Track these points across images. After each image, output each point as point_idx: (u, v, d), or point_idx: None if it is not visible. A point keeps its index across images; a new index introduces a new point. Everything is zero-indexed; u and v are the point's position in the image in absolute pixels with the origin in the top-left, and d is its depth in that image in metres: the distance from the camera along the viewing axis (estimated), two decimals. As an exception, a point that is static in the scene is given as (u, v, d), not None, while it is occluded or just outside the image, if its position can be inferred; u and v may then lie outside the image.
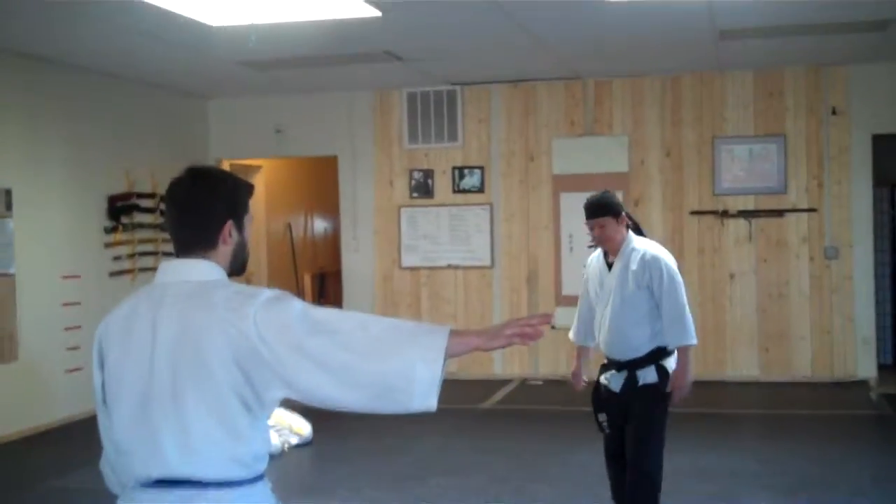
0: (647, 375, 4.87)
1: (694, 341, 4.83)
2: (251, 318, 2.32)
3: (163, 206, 9.86)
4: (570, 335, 5.37)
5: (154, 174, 9.92)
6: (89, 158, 9.29)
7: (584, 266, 5.24)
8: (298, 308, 2.36)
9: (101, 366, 2.51)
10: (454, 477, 6.75)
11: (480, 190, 10.70)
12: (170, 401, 2.36)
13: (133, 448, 2.41)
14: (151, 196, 10.00)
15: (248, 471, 2.41)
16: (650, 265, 4.81)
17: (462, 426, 8.34)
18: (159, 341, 2.38)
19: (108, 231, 9.53)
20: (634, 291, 4.83)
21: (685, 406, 8.95)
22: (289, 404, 7.52)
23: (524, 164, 10.62)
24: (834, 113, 9.84)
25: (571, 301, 9.93)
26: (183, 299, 2.40)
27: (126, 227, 9.70)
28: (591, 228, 4.90)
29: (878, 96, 9.80)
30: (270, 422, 7.94)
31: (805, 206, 9.98)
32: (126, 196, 9.70)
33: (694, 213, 10.21)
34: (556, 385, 9.88)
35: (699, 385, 9.71)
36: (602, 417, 5.02)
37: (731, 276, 10.15)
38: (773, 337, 10.05)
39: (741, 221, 10.10)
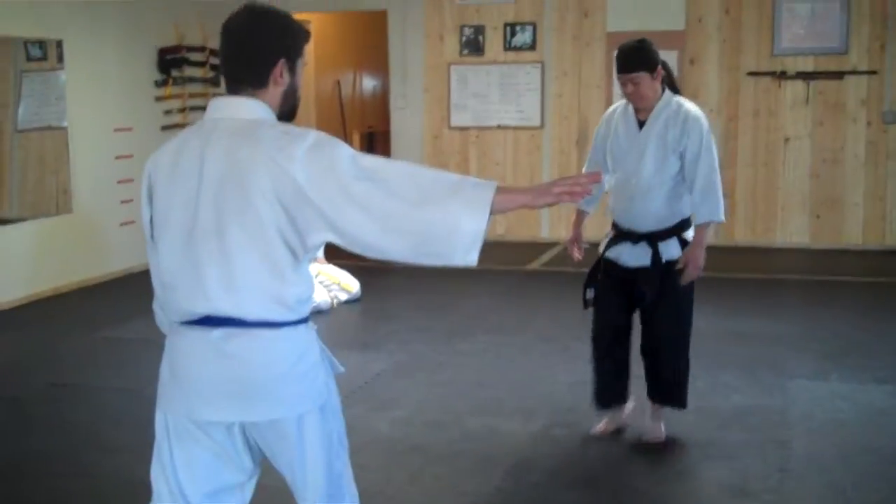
0: (671, 249, 4.44)
1: (723, 218, 4.38)
2: (298, 158, 2.32)
3: (213, 60, 9.86)
4: None
5: (203, 27, 9.83)
6: (139, 11, 9.21)
7: (603, 119, 4.66)
8: (347, 153, 2.35)
9: (150, 200, 2.52)
10: (501, 334, 6.84)
11: (532, 47, 10.49)
12: (214, 235, 2.37)
13: (178, 282, 2.44)
14: (201, 49, 9.94)
15: (291, 313, 2.44)
16: (690, 128, 4.31)
17: (509, 287, 8.41)
18: (206, 176, 2.38)
19: (159, 84, 9.53)
20: (668, 156, 4.35)
21: (733, 271, 8.96)
22: (338, 261, 7.65)
23: (578, 20, 10.37)
24: (902, -29, 9.46)
25: (621, 163, 9.90)
26: (230, 135, 2.40)
27: (177, 81, 9.68)
28: (624, 84, 4.33)
29: (951, -46, 9.38)
30: (320, 278, 8.05)
31: (866, 68, 9.69)
32: (176, 49, 9.66)
33: (751, 73, 9.96)
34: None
35: (747, 251, 9.79)
36: (590, 293, 4.60)
37: (786, 140, 9.96)
38: (825, 203, 9.91)
39: (799, 83, 9.84)
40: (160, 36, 9.53)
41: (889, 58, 9.62)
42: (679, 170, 4.36)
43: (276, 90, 2.48)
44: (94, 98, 8.76)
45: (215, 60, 10.08)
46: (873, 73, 9.65)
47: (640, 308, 4.58)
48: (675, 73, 9.88)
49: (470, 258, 2.34)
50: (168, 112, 9.61)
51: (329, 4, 11.11)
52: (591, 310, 4.69)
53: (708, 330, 6.85)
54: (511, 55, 10.58)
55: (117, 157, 8.95)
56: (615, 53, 4.42)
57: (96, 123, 8.78)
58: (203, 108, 9.70)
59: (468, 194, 2.32)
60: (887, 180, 9.76)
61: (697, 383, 5.64)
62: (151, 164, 2.53)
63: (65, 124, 8.46)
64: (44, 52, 8.45)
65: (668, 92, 4.42)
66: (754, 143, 10.02)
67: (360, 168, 2.33)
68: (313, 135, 2.38)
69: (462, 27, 10.67)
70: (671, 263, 4.41)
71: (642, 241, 4.45)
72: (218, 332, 2.41)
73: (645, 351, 4.67)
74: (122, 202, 8.88)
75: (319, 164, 2.32)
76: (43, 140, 8.53)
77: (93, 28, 8.71)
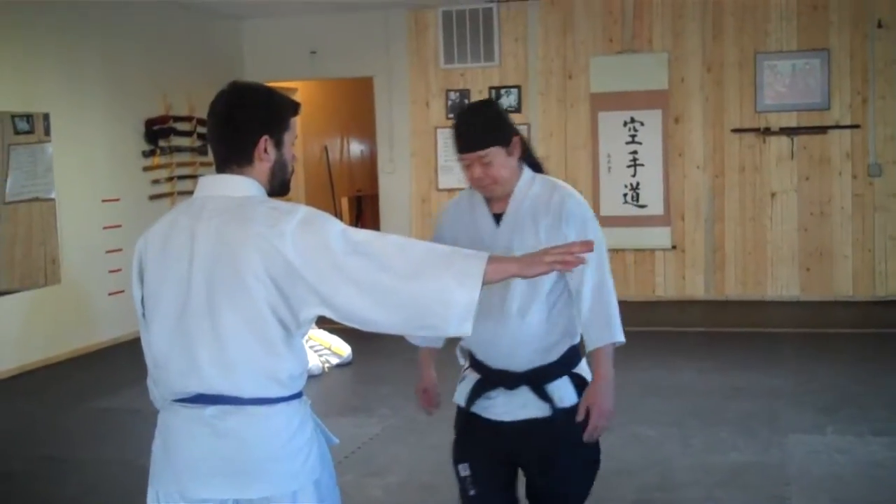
0: (564, 393, 3.10)
1: (622, 338, 3.06)
2: (288, 235, 2.30)
3: (200, 130, 9.93)
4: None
5: (190, 97, 9.91)
6: (126, 82, 9.29)
7: (446, 213, 3.31)
8: (337, 228, 2.34)
9: (141, 280, 2.51)
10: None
11: (518, 110, 10.57)
12: (206, 315, 2.36)
13: (170, 362, 2.42)
14: (188, 119, 10.00)
15: (284, 389, 2.41)
16: (569, 215, 3.09)
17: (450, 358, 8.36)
18: (196, 255, 2.38)
19: (147, 154, 9.56)
20: None
21: (725, 326, 8.97)
22: (329, 326, 7.61)
23: (562, 82, 10.48)
24: (880, 26, 9.59)
25: (609, 221, 9.92)
26: (220, 214, 2.39)
27: (164, 151, 9.72)
28: (468, 167, 3.05)
29: (927, 8, 9.53)
30: (311, 343, 8.00)
31: (849, 122, 9.78)
32: (163, 119, 9.71)
33: (735, 130, 10.05)
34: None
35: (739, 305, 9.79)
36: (464, 470, 3.18)
37: (773, 195, 10.02)
38: (814, 256, 9.95)
39: (783, 139, 9.94)
40: (147, 107, 9.59)
41: (871, 112, 9.73)
42: (559, 278, 3.06)
43: (262, 166, 2.47)
44: (82, 169, 8.78)
45: (202, 129, 10.15)
46: (856, 126, 9.75)
47: (526, 475, 3.24)
48: (660, 131, 10.13)
49: (464, 328, 2.32)
50: (156, 182, 9.64)
51: (317, 72, 11.21)
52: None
53: (703, 385, 6.86)
54: (497, 117, 10.63)
55: (105, 227, 8.95)
56: (453, 125, 3.15)
57: (84, 194, 8.79)
58: (191, 177, 9.85)
59: (460, 266, 2.31)
60: (875, 232, 9.81)
61: (694, 440, 5.62)
62: (142, 242, 2.52)
63: (52, 196, 8.47)
64: (31, 126, 8.49)
65: (527, 170, 3.19)
66: (741, 199, 10.08)
67: (351, 243, 2.32)
68: (302, 210, 2.37)
69: (447, 91, 10.76)
70: (568, 414, 3.07)
71: (521, 385, 3.12)
72: (211, 410, 2.39)
73: None
74: (111, 271, 8.86)
75: (310, 240, 2.31)
76: (31, 212, 8.52)
77: (79, 100, 8.77)
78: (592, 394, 3.01)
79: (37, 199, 8.52)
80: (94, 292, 8.83)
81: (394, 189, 11.05)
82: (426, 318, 2.32)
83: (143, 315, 2.52)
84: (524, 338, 3.07)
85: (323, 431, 2.57)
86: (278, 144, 2.49)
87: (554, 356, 3.09)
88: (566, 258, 2.37)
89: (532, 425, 3.09)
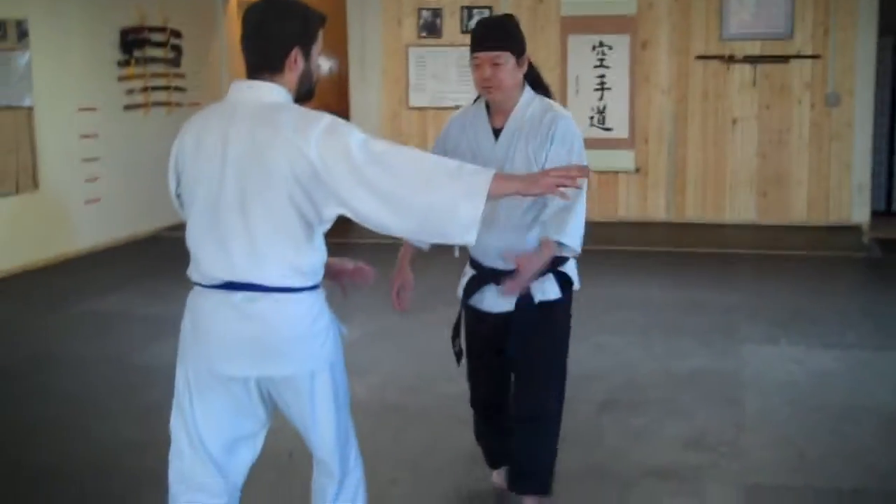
0: (547, 289, 3.44)
1: (575, 245, 3.29)
2: (313, 140, 2.53)
3: (174, 41, 10.00)
4: None
5: (164, 8, 9.96)
6: (101, -9, 9.30)
7: (452, 122, 3.61)
8: (359, 137, 2.57)
9: (178, 180, 2.75)
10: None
11: (489, 31, 10.70)
12: (237, 210, 2.60)
13: (204, 252, 2.67)
14: (162, 30, 10.05)
15: (306, 279, 2.67)
16: (557, 132, 3.31)
17: (463, 262, 8.64)
18: (229, 155, 2.61)
19: (122, 65, 9.62)
20: (534, 170, 3.26)
21: (685, 246, 9.33)
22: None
23: (533, 4, 10.63)
24: (844, -42, 9.85)
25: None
26: (251, 118, 2.61)
27: (138, 61, 9.78)
28: (479, 66, 3.33)
29: (890, -58, 9.79)
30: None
31: (810, 52, 10.08)
32: (138, 30, 9.75)
33: (700, 57, 10.31)
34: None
35: (699, 227, 10.13)
36: (457, 346, 3.67)
37: (734, 122, 10.33)
38: (771, 182, 10.30)
39: (746, 67, 10.21)
40: (122, 16, 9.61)
41: (832, 43, 10.02)
42: None
43: (291, 75, 2.69)
44: (59, 78, 8.83)
45: (176, 41, 10.21)
46: (817, 57, 10.05)
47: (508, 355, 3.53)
48: (628, 56, 10.35)
49: (468, 237, 2.59)
50: (130, 91, 9.71)
51: (288, -14, 11.22)
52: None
53: (664, 300, 7.23)
54: (468, 38, 10.76)
55: (82, 136, 9.05)
56: (472, 28, 3.46)
57: (61, 103, 8.86)
58: (164, 88, 9.91)
59: (468, 180, 2.57)
60: (830, 160, 10.17)
61: (655, 349, 5.98)
62: (177, 145, 2.73)
63: (25, 103, 8.51)
64: (3, 32, 8.49)
65: (529, 90, 3.44)
66: (703, 125, 10.38)
67: (371, 153, 2.55)
68: (328, 119, 2.60)
69: (420, 10, 10.88)
70: (549, 307, 3.44)
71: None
72: (240, 296, 2.64)
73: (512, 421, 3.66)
74: (87, 181, 9.00)
75: (333, 147, 2.54)
76: (3, 119, 8.51)
77: (56, 7, 8.78)
78: (525, 260, 3.20)
79: (9, 107, 8.55)
80: (72, 200, 8.96)
81: (365, 106, 11.20)
82: (435, 227, 2.58)
83: (181, 206, 2.76)
84: (515, 243, 3.37)
85: (336, 322, 2.84)
86: (307, 55, 2.71)
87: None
88: (564, 181, 2.63)
89: (520, 315, 3.43)
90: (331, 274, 2.91)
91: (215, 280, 2.67)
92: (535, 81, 3.48)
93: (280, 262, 2.62)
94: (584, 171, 2.68)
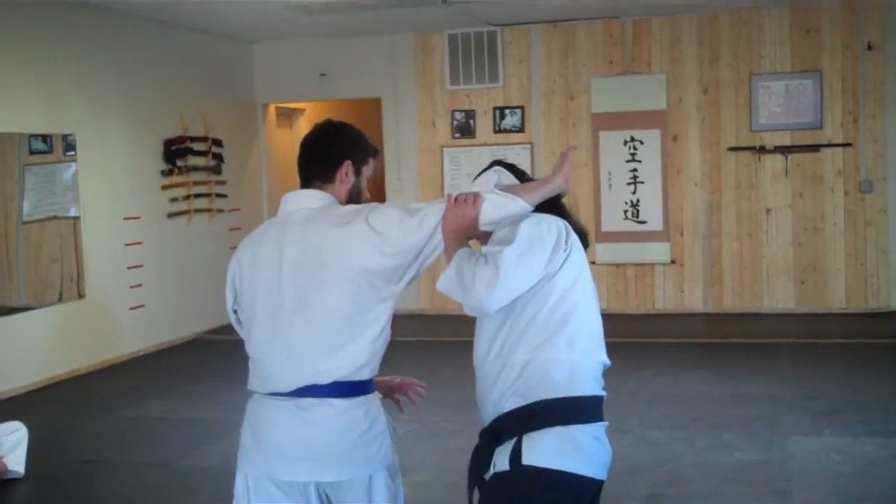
0: (499, 458, 2.71)
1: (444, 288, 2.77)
2: (363, 222, 2.68)
3: (214, 150, 10.30)
4: None
5: (205, 118, 10.27)
6: (144, 104, 9.61)
7: None
8: (399, 208, 2.72)
9: (235, 295, 2.89)
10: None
11: (521, 129, 10.94)
12: (298, 311, 2.71)
13: (267, 356, 2.78)
14: (204, 139, 10.34)
15: (362, 372, 2.76)
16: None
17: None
18: (285, 261, 2.74)
19: (165, 174, 9.89)
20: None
21: (725, 337, 9.29)
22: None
23: (564, 103, 10.85)
24: (869, 48, 10.00)
25: (610, 237, 10.29)
26: (303, 223, 2.76)
27: (181, 170, 10.05)
28: None
29: (914, 32, 9.94)
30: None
31: (840, 140, 10.17)
32: (180, 140, 10.04)
33: (731, 149, 10.43)
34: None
35: (737, 317, 10.13)
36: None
37: (768, 211, 10.39)
38: (808, 269, 10.32)
39: (777, 157, 10.32)
40: (165, 127, 9.92)
41: (862, 130, 10.12)
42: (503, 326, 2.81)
43: (342, 187, 2.85)
44: (104, 189, 9.10)
45: (217, 149, 10.50)
46: (848, 145, 10.14)
47: None
48: (659, 149, 10.48)
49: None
50: (174, 200, 9.96)
51: (327, 94, 11.57)
52: None
53: (706, 391, 7.21)
54: (501, 137, 11.01)
55: (127, 245, 9.27)
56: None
57: (107, 213, 9.11)
58: (206, 195, 10.16)
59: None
60: (866, 246, 10.18)
61: (699, 442, 5.96)
62: (235, 261, 2.89)
63: (71, 214, 8.76)
64: (49, 146, 8.77)
65: None
66: (738, 215, 10.46)
67: (413, 212, 2.70)
68: (367, 206, 2.77)
69: (453, 111, 11.13)
70: (498, 479, 2.71)
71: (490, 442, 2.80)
72: (300, 402, 2.74)
73: None
74: (132, 287, 9.19)
75: (384, 219, 2.68)
76: (48, 230, 8.74)
77: (101, 122, 9.08)
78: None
79: (55, 218, 8.79)
80: (117, 307, 9.14)
81: (401, 206, 11.35)
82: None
83: (239, 321, 2.90)
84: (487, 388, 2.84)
85: (391, 425, 2.92)
86: (358, 172, 2.88)
87: (504, 409, 2.73)
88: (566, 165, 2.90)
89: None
90: (381, 391, 3.01)
91: (278, 385, 2.76)
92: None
93: (340, 357, 2.72)
94: (571, 148, 3.04)
